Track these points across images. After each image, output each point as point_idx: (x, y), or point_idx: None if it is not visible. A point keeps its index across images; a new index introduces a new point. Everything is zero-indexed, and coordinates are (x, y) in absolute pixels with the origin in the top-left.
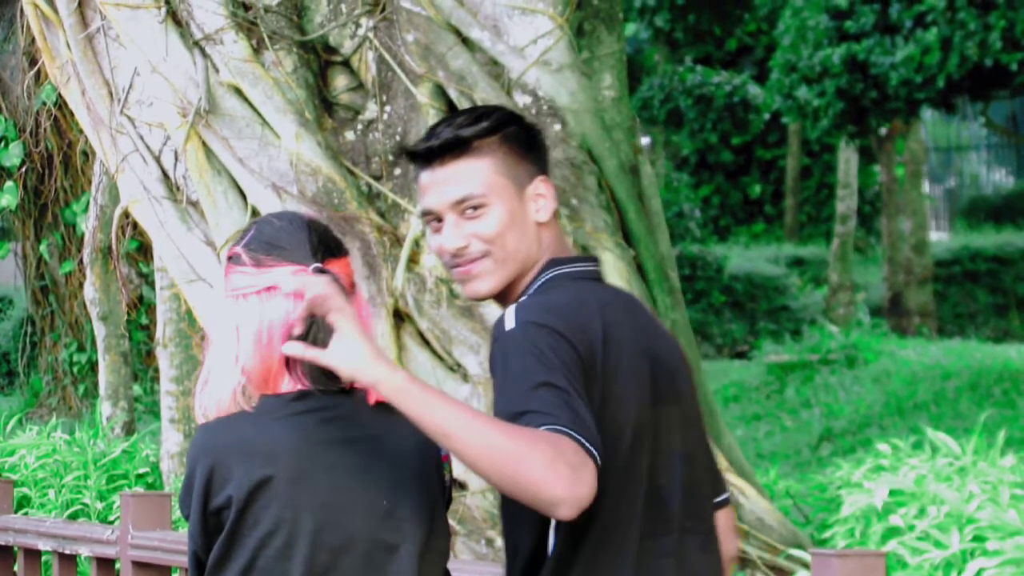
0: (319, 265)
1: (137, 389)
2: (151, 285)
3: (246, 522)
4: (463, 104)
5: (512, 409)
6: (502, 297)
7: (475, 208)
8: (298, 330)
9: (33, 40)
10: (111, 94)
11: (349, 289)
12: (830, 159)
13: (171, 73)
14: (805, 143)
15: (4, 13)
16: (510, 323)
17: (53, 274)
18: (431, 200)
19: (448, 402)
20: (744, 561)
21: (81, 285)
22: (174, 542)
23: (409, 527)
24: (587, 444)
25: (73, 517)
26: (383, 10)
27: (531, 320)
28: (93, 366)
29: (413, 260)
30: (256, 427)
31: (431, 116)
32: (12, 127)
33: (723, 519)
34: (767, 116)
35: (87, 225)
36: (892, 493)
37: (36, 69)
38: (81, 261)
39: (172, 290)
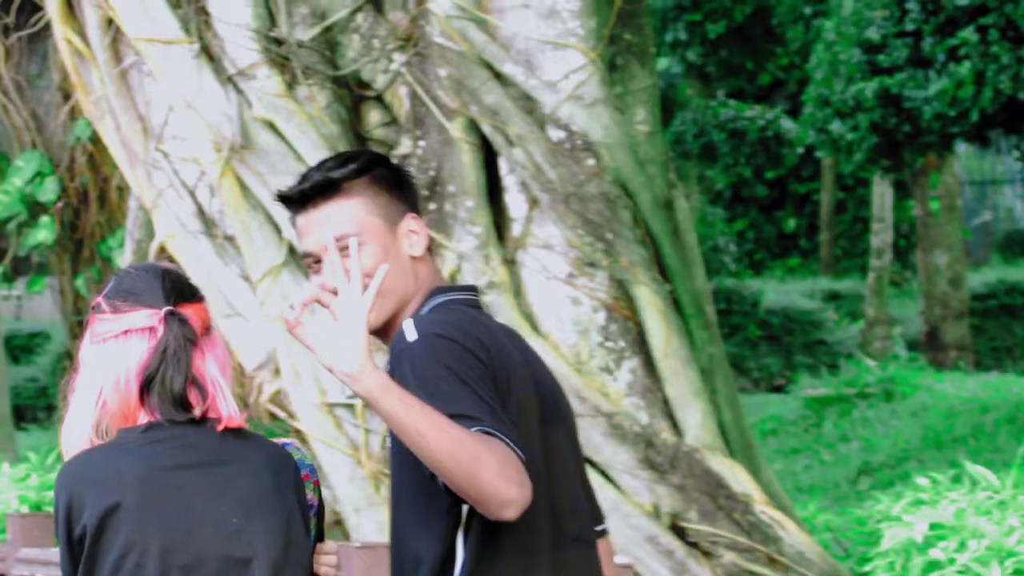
0: (172, 308)
1: None
2: None
3: (101, 547)
4: (497, 139)
5: (444, 411)
6: (383, 333)
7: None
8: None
9: (67, 75)
10: (145, 129)
11: (203, 332)
12: (864, 193)
13: (205, 108)
14: (839, 177)
15: (37, 48)
16: (411, 335)
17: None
18: (308, 242)
19: (421, 403)
20: None
21: None
22: None
23: (262, 541)
24: (518, 450)
25: None
26: (416, 45)
27: (433, 332)
28: None
29: None
30: (108, 459)
31: (465, 151)
32: (48, 162)
33: (603, 549)
34: (801, 150)
35: (123, 260)
36: (932, 527)
37: (70, 104)
38: None
39: None
